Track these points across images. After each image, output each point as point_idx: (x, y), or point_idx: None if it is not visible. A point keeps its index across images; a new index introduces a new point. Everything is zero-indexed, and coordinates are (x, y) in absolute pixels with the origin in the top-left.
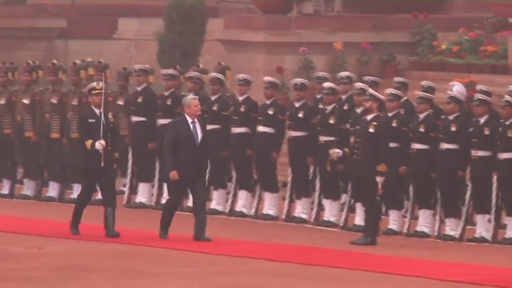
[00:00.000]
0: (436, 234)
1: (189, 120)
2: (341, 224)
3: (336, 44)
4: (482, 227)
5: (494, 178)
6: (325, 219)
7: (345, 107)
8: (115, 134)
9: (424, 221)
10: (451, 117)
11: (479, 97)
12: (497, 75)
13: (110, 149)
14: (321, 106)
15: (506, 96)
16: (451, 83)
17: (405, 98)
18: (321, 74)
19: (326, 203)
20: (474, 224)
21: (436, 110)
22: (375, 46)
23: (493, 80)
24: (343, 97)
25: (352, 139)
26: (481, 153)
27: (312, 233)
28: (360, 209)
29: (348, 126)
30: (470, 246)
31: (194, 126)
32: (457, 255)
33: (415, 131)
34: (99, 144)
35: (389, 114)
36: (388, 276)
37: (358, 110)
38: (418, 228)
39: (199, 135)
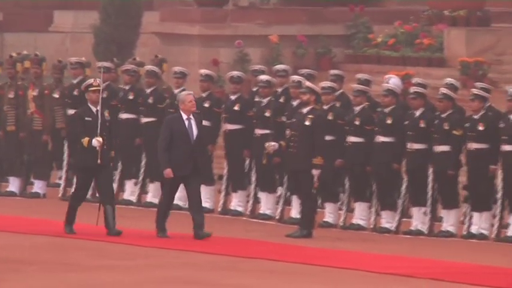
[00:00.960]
0: (371, 226)
1: (184, 116)
2: (277, 217)
3: (271, 37)
4: (418, 219)
5: (430, 171)
6: (261, 212)
7: (281, 100)
8: (111, 133)
9: (360, 214)
10: (386, 110)
11: (415, 90)
12: (433, 68)
13: (106, 148)
14: (257, 99)
15: (442, 89)
16: (386, 76)
17: (341, 91)
18: (258, 67)
19: (262, 195)
20: (410, 217)
21: (372, 103)
22: (311, 39)
23: (429, 73)
24: (279, 90)
25: (288, 132)
26: (416, 146)
27: (247, 226)
28: (295, 201)
29: (283, 119)
30: (406, 239)
31: (189, 123)
32: (393, 248)
33: (350, 124)
34: (97, 141)
35: (325, 107)
36: (324, 269)
37: (294, 103)
38: (354, 221)
39: (195, 131)
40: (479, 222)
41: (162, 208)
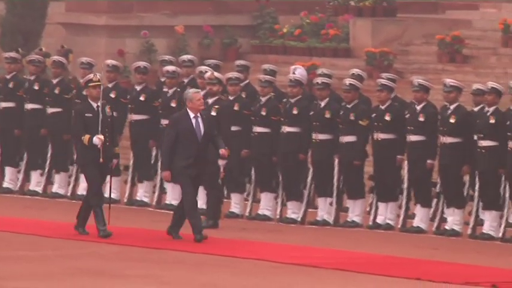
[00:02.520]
0: (278, 217)
1: (191, 115)
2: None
3: (177, 28)
4: (324, 210)
5: (336, 161)
6: (167, 202)
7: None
8: (113, 128)
9: (266, 204)
10: (293, 101)
11: (321, 80)
12: (339, 59)
13: (108, 145)
14: (164, 89)
15: (349, 79)
16: (293, 66)
17: (247, 82)
18: (166, 57)
19: (168, 186)
20: (316, 207)
21: (278, 93)
22: (217, 29)
23: (335, 63)
24: (185, 80)
25: None
26: (322, 136)
27: (153, 217)
28: (201, 192)
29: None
30: (312, 229)
31: (197, 121)
32: (299, 238)
33: (257, 115)
34: (98, 139)
35: (231, 98)
36: (230, 259)
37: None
38: (260, 212)
39: (202, 130)
40: (385, 213)
41: (188, 206)
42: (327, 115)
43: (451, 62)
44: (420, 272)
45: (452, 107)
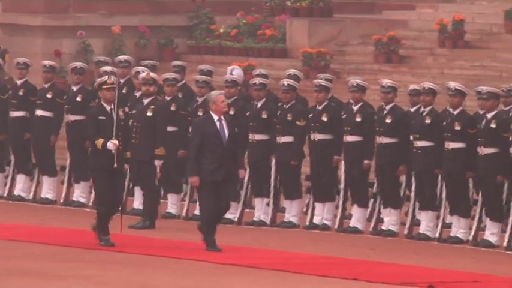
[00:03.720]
0: (184, 215)
1: (215, 117)
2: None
3: (113, 28)
4: (261, 210)
5: (273, 162)
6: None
7: (124, 91)
8: (126, 133)
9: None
10: (229, 101)
11: (259, 81)
12: (276, 59)
13: (121, 149)
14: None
15: (287, 80)
16: (230, 67)
17: (183, 82)
18: (102, 58)
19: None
20: (253, 208)
21: None
22: (153, 30)
23: (272, 64)
24: (122, 81)
25: (130, 122)
26: (258, 136)
27: (90, 217)
28: (138, 192)
29: (126, 109)
30: (248, 230)
31: (221, 124)
32: (236, 239)
33: (193, 115)
34: (112, 144)
35: (168, 98)
36: (168, 259)
37: (137, 94)
38: (197, 212)
39: (227, 133)
40: (322, 213)
41: (204, 220)
42: (264, 115)
43: (388, 62)
44: (357, 272)
45: (388, 107)
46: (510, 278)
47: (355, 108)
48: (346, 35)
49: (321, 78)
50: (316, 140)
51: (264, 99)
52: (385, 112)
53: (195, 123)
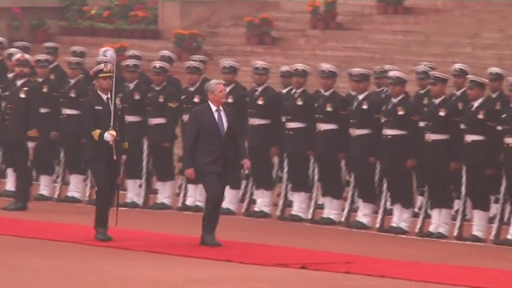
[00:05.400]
0: (87, 199)
1: (213, 108)
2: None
3: None
4: (134, 192)
5: (145, 143)
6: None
7: None
8: (123, 123)
9: (75, 186)
10: None
11: (132, 63)
12: (148, 40)
13: (118, 140)
14: None
15: (159, 62)
16: (102, 48)
17: (56, 64)
18: None
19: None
20: (126, 190)
21: (87, 75)
22: (25, 11)
23: (144, 45)
24: None
25: (3, 104)
26: (131, 118)
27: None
28: (10, 174)
29: None
30: (122, 212)
31: (219, 115)
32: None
33: (65, 97)
34: (110, 135)
35: (40, 80)
36: (41, 241)
37: (10, 75)
38: (69, 194)
39: (225, 124)
40: (195, 195)
41: (210, 205)
42: (136, 97)
43: (260, 43)
44: (230, 253)
45: (260, 88)
46: (383, 259)
47: (228, 89)
48: (218, 16)
49: (194, 60)
50: (186, 121)
51: (136, 81)
52: (257, 93)
53: (192, 113)
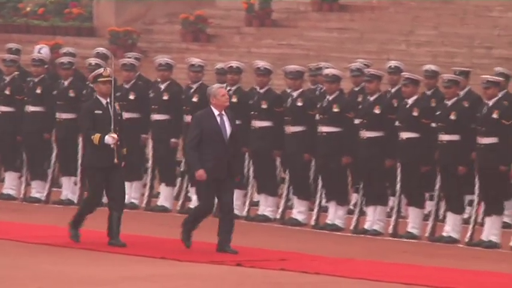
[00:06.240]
0: (21, 196)
1: (216, 112)
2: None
3: None
4: (69, 189)
5: (80, 139)
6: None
7: None
8: (123, 127)
9: (10, 184)
10: (36, 80)
11: (67, 60)
12: (83, 38)
13: (119, 144)
14: None
15: (93, 59)
16: (37, 46)
17: None
18: None
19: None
20: (61, 186)
21: (22, 72)
22: None
23: (79, 42)
24: None
25: None
26: (65, 115)
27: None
28: None
29: None
30: (56, 209)
31: (222, 119)
32: (43, 218)
33: (1, 94)
34: (111, 138)
35: None
36: None
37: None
38: (4, 191)
39: (228, 129)
40: (130, 192)
41: (195, 215)
42: (71, 94)
43: (195, 41)
44: (165, 251)
45: (195, 86)
46: (318, 256)
47: (163, 86)
48: (153, 13)
49: (129, 57)
50: (124, 118)
51: (71, 78)
52: (192, 91)
53: (194, 117)
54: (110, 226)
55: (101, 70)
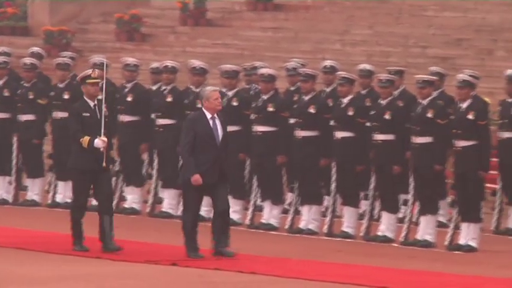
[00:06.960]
0: None
1: (208, 115)
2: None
3: None
4: (3, 189)
5: (15, 139)
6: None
7: None
8: (110, 130)
9: None
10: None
11: (1, 60)
12: (17, 37)
13: (107, 147)
14: None
15: (29, 59)
16: None
17: None
18: None
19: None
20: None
21: None
22: None
23: (13, 42)
24: None
25: None
26: (2, 115)
27: None
28: None
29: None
30: None
31: (214, 123)
32: None
33: None
34: (101, 142)
35: None
36: None
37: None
38: None
39: (220, 133)
40: (64, 191)
41: (187, 225)
42: (6, 94)
43: (130, 40)
44: (99, 250)
45: (129, 85)
46: (253, 256)
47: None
48: (87, 13)
49: (63, 57)
50: (58, 118)
51: (6, 78)
52: (127, 90)
53: (186, 120)
54: (102, 230)
55: (89, 71)
